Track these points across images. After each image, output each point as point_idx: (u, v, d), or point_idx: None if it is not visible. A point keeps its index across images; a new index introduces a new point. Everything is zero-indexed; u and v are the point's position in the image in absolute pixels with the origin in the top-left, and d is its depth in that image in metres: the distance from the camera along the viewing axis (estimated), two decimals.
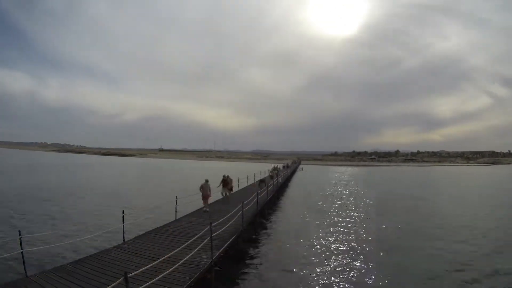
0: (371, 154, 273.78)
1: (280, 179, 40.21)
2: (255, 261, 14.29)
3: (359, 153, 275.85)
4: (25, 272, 8.70)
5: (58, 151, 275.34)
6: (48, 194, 31.90)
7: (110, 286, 6.68)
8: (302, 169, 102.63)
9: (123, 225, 12.96)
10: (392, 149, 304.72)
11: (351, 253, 15.62)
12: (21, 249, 8.80)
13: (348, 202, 33.45)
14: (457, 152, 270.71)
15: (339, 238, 18.59)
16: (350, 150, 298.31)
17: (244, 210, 15.69)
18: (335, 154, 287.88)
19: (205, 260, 10.41)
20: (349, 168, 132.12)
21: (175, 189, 34.48)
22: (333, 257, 15.09)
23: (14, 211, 22.82)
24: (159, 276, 8.01)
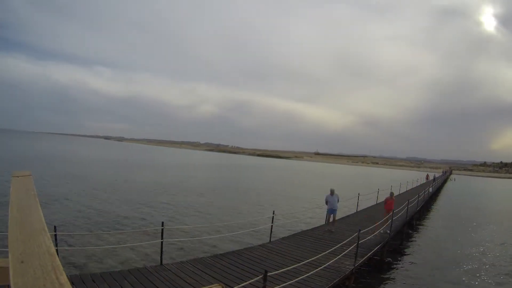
0: None
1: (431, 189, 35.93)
2: (397, 272, 12.82)
3: (505, 164, 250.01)
4: (161, 260, 8.83)
5: (211, 150, 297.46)
6: (214, 190, 33.43)
7: (247, 282, 6.55)
8: (454, 180, 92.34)
9: (272, 225, 12.62)
10: None
11: (496, 276, 13.18)
12: (162, 239, 8.94)
13: (498, 217, 29.55)
14: None
15: (488, 256, 16.01)
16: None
17: (393, 218, 14.13)
18: (484, 164, 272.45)
19: (347, 266, 9.54)
20: (498, 180, 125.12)
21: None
22: (478, 278, 12.85)
23: (178, 203, 23.92)
24: (298, 278, 7.64)
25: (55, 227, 7.62)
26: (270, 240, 12.12)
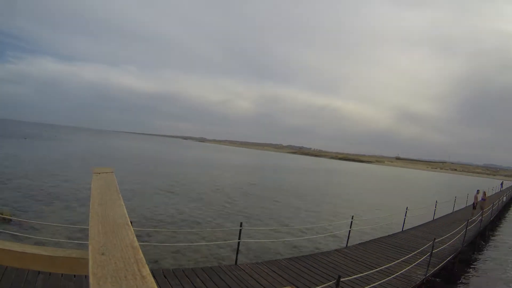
0: None
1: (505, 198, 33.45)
2: (466, 285, 12.14)
3: None
4: (236, 260, 8.80)
5: (294, 153, 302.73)
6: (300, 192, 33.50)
7: (320, 287, 6.52)
8: None
9: (350, 230, 12.38)
10: None
11: None
12: (239, 239, 8.95)
13: None
14: None
15: None
16: None
17: (467, 228, 13.27)
18: None
19: (419, 276, 9.09)
20: None
21: (412, 200, 33.00)
22: None
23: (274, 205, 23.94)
24: (370, 286, 7.52)
25: (130, 222, 8.06)
26: (346, 245, 11.88)
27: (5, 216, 11.81)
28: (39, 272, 6.16)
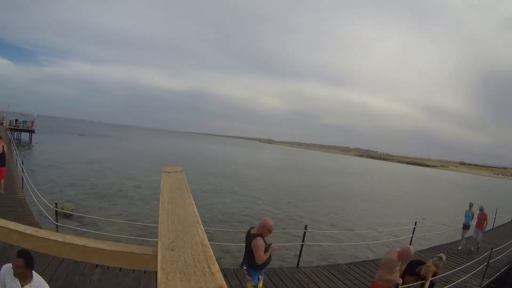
0: None
1: None
2: None
3: None
4: (298, 262, 8.95)
5: (361, 156, 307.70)
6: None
7: None
8: None
9: (412, 237, 12.32)
10: None
11: None
12: (302, 241, 9.10)
13: None
14: None
15: None
16: None
17: None
18: None
19: (474, 286, 8.98)
20: None
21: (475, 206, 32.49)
22: None
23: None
24: None
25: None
26: None
27: (66, 211, 11.90)
28: (96, 265, 6.31)
